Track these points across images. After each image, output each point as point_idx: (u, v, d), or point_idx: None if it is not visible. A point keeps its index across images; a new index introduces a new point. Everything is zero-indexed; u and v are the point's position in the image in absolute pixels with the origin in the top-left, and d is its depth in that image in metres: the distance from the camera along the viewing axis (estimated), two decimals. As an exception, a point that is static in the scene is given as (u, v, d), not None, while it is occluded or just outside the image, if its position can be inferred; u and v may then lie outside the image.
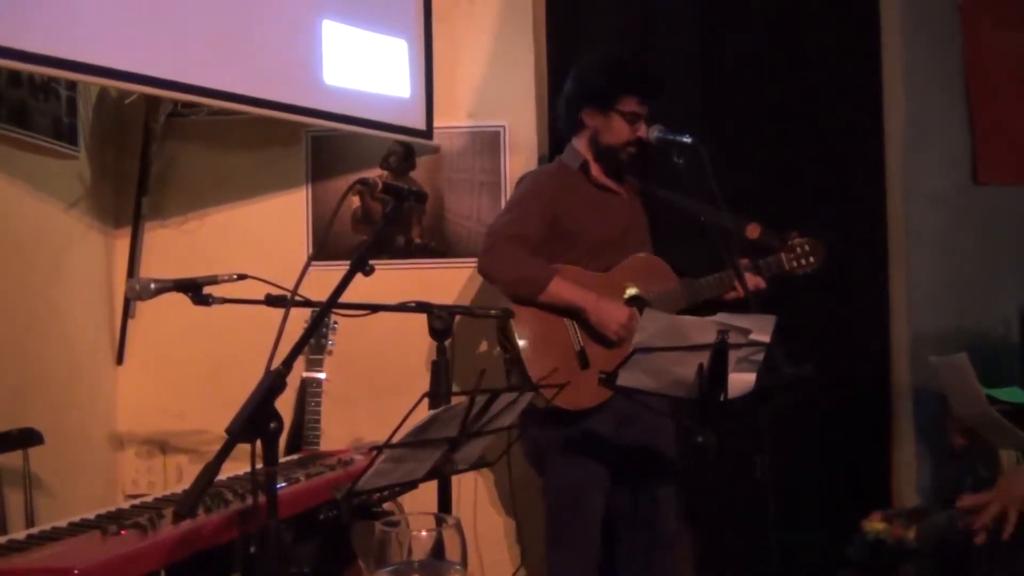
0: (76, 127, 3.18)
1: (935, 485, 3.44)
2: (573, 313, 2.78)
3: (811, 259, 2.91)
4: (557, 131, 3.25)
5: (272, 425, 1.53)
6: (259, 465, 1.54)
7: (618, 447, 2.84)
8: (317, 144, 3.55)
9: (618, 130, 2.88)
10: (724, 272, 2.82)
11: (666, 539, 2.90)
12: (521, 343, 2.77)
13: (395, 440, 1.70)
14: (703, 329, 2.18)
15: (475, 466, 2.05)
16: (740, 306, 2.75)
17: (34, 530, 1.86)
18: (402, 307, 2.32)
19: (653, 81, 2.91)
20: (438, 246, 3.54)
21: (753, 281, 2.84)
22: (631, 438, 2.84)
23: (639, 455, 2.86)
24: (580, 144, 2.97)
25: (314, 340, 3.05)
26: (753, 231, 2.81)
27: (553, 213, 2.85)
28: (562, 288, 2.76)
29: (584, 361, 2.78)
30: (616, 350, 2.72)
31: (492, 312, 2.68)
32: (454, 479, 2.16)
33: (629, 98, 2.86)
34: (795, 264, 2.91)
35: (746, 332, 2.21)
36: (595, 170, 2.96)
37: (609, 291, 2.82)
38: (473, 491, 3.48)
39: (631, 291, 2.87)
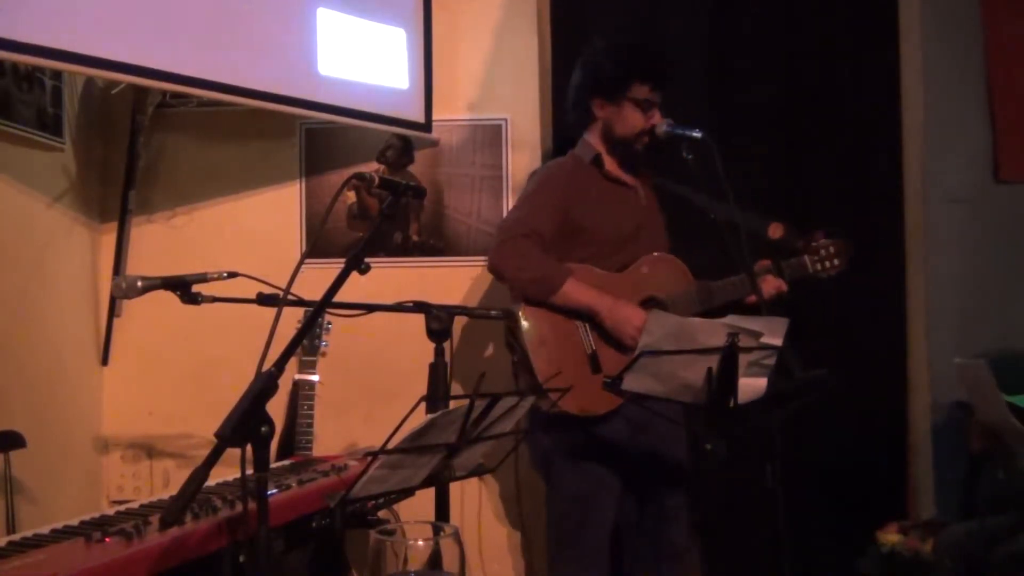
0: (61, 118, 3.17)
1: (954, 496, 3.40)
2: (586, 315, 2.70)
3: (836, 261, 2.83)
4: (564, 125, 3.22)
5: (263, 429, 1.53)
6: (249, 471, 1.53)
7: (631, 456, 2.76)
8: (311, 137, 3.51)
9: (631, 119, 2.79)
10: (743, 275, 2.74)
11: (675, 551, 2.83)
12: (529, 344, 2.68)
13: (391, 445, 1.66)
14: (712, 332, 2.16)
15: (474, 473, 2.02)
16: (752, 308, 2.71)
17: (15, 537, 1.84)
18: (399, 307, 2.29)
19: (665, 65, 2.84)
20: (437, 244, 3.51)
21: (775, 284, 2.77)
22: (645, 446, 2.76)
23: (652, 464, 2.79)
24: (592, 137, 2.89)
25: (307, 341, 3.02)
26: (776, 231, 2.73)
27: (566, 208, 2.77)
28: (577, 290, 2.68)
29: (595, 365, 2.70)
30: (630, 355, 2.63)
31: (492, 313, 2.65)
32: (456, 486, 2.14)
33: (640, 85, 2.77)
34: (819, 267, 2.83)
35: (757, 335, 2.18)
36: (609, 163, 2.89)
37: (624, 292, 2.74)
38: (477, 499, 3.45)
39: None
